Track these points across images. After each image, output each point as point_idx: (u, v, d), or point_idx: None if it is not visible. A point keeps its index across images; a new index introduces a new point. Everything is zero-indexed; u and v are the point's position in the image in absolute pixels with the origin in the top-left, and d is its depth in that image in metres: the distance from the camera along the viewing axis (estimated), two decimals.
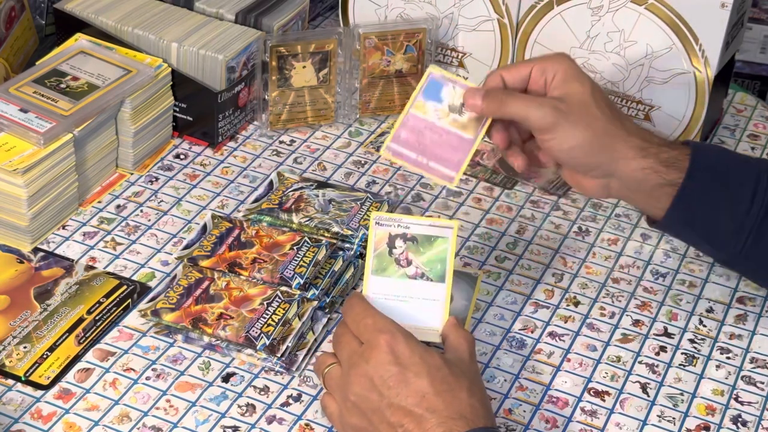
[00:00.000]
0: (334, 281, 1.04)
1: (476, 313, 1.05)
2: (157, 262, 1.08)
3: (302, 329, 0.99)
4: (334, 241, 1.07)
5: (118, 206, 1.15)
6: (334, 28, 1.33)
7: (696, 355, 1.02)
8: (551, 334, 1.03)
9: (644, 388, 0.98)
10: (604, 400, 0.97)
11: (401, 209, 1.17)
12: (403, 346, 0.86)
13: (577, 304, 1.07)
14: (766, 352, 1.03)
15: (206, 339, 0.98)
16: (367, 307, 0.90)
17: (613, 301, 1.07)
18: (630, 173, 0.96)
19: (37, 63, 1.18)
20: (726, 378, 1.00)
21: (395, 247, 0.95)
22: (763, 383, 1.00)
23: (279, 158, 1.24)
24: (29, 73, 1.15)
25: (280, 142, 1.26)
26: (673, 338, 1.04)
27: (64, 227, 1.12)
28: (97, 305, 1.02)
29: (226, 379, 0.97)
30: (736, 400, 0.98)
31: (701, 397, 0.98)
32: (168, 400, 0.94)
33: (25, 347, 0.98)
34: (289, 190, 1.14)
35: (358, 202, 1.12)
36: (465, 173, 1.22)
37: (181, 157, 1.23)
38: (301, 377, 0.97)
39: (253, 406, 0.94)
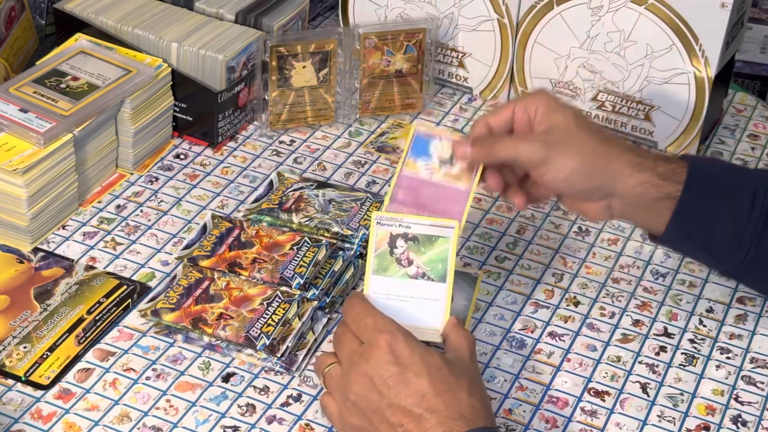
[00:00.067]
0: (334, 281, 1.04)
1: (476, 313, 1.05)
2: (157, 262, 1.08)
3: (302, 329, 0.99)
4: (334, 241, 1.07)
5: (118, 206, 1.15)
6: (334, 28, 1.33)
7: (696, 355, 1.02)
8: (551, 334, 1.03)
9: (644, 388, 0.98)
10: (604, 400, 0.97)
11: None
12: (403, 345, 0.86)
13: (577, 304, 1.07)
14: (766, 352, 1.03)
15: (206, 339, 0.98)
16: (368, 306, 0.90)
17: (613, 301, 1.07)
18: (629, 189, 0.96)
19: (37, 63, 1.18)
20: (726, 378, 1.00)
21: (396, 247, 0.95)
22: (763, 383, 1.00)
23: (279, 158, 1.24)
24: (29, 73, 1.15)
25: (280, 142, 1.26)
26: (673, 338, 1.04)
27: (64, 227, 1.12)
28: (97, 305, 1.02)
29: (226, 379, 0.97)
30: (736, 400, 0.98)
31: (701, 397, 0.98)
32: (168, 400, 0.94)
33: (25, 347, 0.98)
34: (289, 190, 1.14)
35: (358, 202, 1.12)
36: None
37: (181, 157, 1.23)
38: (301, 377, 0.97)
39: (253, 406, 0.94)
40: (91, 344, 0.99)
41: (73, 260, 1.08)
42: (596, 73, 1.27)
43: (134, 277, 1.06)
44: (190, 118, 1.24)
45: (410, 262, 0.94)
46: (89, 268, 1.07)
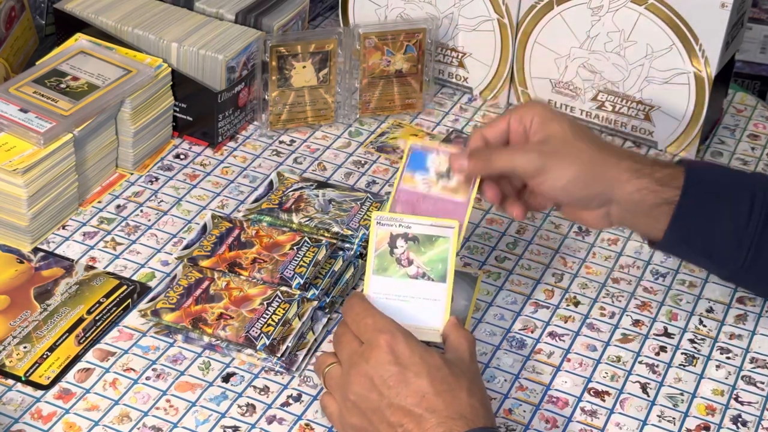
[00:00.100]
0: (334, 281, 1.04)
1: (476, 313, 1.05)
2: (157, 262, 1.08)
3: (302, 329, 0.99)
4: (334, 241, 1.07)
5: (118, 206, 1.15)
6: (334, 28, 1.33)
7: (696, 355, 1.02)
8: (551, 334, 1.03)
9: (644, 388, 0.98)
10: (604, 400, 0.97)
11: None
12: (403, 345, 0.86)
13: (577, 304, 1.07)
14: (766, 352, 1.03)
15: (206, 339, 0.98)
16: (368, 306, 0.90)
17: (613, 301, 1.07)
18: (627, 196, 0.96)
19: (37, 63, 1.18)
20: (726, 378, 1.00)
21: (396, 247, 0.95)
22: (763, 383, 1.00)
23: (279, 158, 1.24)
24: (29, 73, 1.15)
25: (280, 142, 1.26)
26: (673, 338, 1.04)
27: (64, 227, 1.12)
28: (97, 305, 1.02)
29: (226, 379, 0.97)
30: (736, 400, 0.98)
31: (701, 397, 0.98)
32: (168, 400, 0.94)
33: (25, 347, 0.98)
34: (289, 190, 1.14)
35: (358, 202, 1.12)
36: None
37: (181, 157, 1.23)
38: (301, 377, 0.97)
39: (253, 406, 0.94)
40: (91, 344, 0.99)
41: (73, 260, 1.08)
42: (596, 73, 1.27)
43: (134, 277, 1.06)
44: (190, 118, 1.24)
45: (410, 262, 0.94)
46: (89, 268, 1.07)
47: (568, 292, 1.08)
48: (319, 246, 1.05)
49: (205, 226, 1.09)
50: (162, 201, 1.16)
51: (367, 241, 1.01)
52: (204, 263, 1.04)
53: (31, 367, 0.96)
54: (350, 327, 0.90)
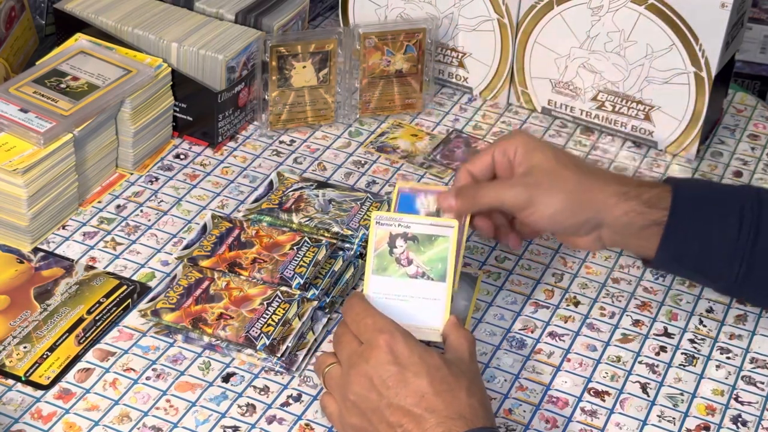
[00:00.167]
0: (334, 281, 1.04)
1: (476, 313, 1.05)
2: (157, 262, 1.08)
3: (302, 329, 0.99)
4: (334, 241, 1.07)
5: (118, 206, 1.15)
6: (334, 28, 1.33)
7: (696, 355, 1.02)
8: (551, 334, 1.03)
9: (644, 388, 0.98)
10: (604, 400, 0.97)
11: None
12: (403, 345, 0.86)
13: (577, 304, 1.07)
14: (766, 352, 1.03)
15: (206, 339, 0.98)
16: (367, 306, 0.90)
17: (613, 301, 1.07)
18: (615, 219, 0.96)
19: (37, 63, 1.18)
20: (726, 378, 1.00)
21: (396, 247, 0.95)
22: (763, 383, 1.00)
23: (279, 158, 1.24)
24: (29, 73, 1.15)
25: (280, 142, 1.26)
26: (673, 338, 1.04)
27: (64, 227, 1.12)
28: (97, 305, 1.02)
29: (226, 379, 0.97)
30: (736, 400, 0.98)
31: (701, 397, 0.98)
32: (168, 400, 0.94)
33: (25, 347, 0.98)
34: (289, 190, 1.14)
35: (358, 202, 1.12)
36: None
37: (181, 157, 1.23)
38: (301, 377, 0.97)
39: (253, 406, 0.94)
40: (91, 344, 0.99)
41: (73, 260, 1.08)
42: (596, 73, 1.27)
43: (134, 277, 1.06)
44: (190, 118, 1.24)
45: (410, 262, 0.94)
46: (89, 268, 1.07)
47: (568, 292, 1.08)
48: (319, 246, 1.05)
49: (205, 226, 1.09)
50: (162, 201, 1.16)
51: (366, 241, 1.01)
52: (204, 263, 1.04)
53: (31, 367, 0.96)
54: (350, 327, 0.90)
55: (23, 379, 0.95)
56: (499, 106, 1.35)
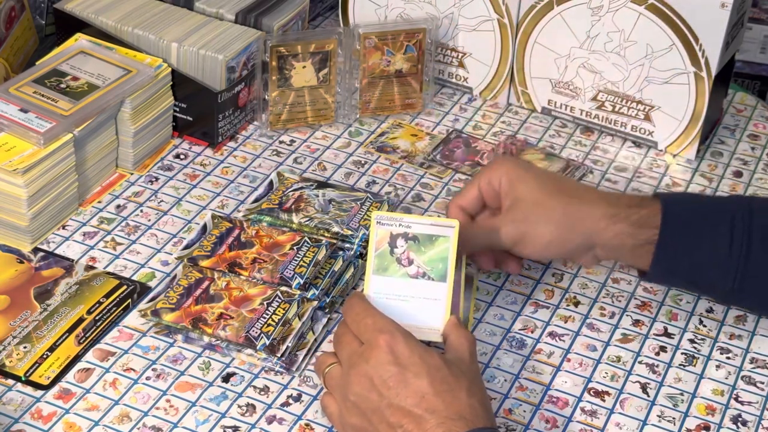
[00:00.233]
0: (334, 281, 1.04)
1: (476, 313, 1.05)
2: (157, 262, 1.08)
3: (302, 329, 0.99)
4: (334, 241, 1.07)
5: (118, 206, 1.15)
6: (334, 28, 1.33)
7: (696, 355, 1.02)
8: (551, 334, 1.03)
9: (644, 388, 0.98)
10: (604, 400, 0.97)
11: (401, 209, 1.17)
12: (403, 346, 0.86)
13: (577, 304, 1.07)
14: (766, 352, 1.03)
15: (206, 339, 0.98)
16: (367, 306, 0.90)
17: (613, 301, 1.07)
18: (607, 241, 0.98)
19: (37, 63, 1.18)
20: (726, 378, 1.00)
21: (396, 247, 0.95)
22: (763, 383, 1.00)
23: (279, 158, 1.24)
24: (29, 73, 1.15)
25: (280, 142, 1.26)
26: (673, 338, 1.04)
27: (64, 227, 1.12)
28: (97, 305, 1.02)
29: (226, 379, 0.97)
30: (736, 400, 0.98)
31: (701, 397, 0.98)
32: (168, 400, 0.94)
33: (25, 347, 0.98)
34: (289, 190, 1.14)
35: (358, 202, 1.12)
36: (465, 173, 1.23)
37: (181, 157, 1.23)
38: (301, 377, 0.97)
39: (253, 406, 0.94)
40: (91, 344, 0.99)
41: (73, 260, 1.08)
42: (596, 73, 1.27)
43: (134, 277, 1.06)
44: (190, 118, 1.24)
45: (410, 262, 0.94)
46: (89, 268, 1.07)
47: (568, 292, 1.08)
48: (319, 246, 1.05)
49: (205, 226, 1.09)
50: (162, 201, 1.16)
51: (367, 241, 1.01)
52: (204, 263, 1.04)
53: (31, 367, 0.96)
54: (350, 327, 0.90)
55: (23, 379, 0.95)
56: (499, 106, 1.35)
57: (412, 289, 0.94)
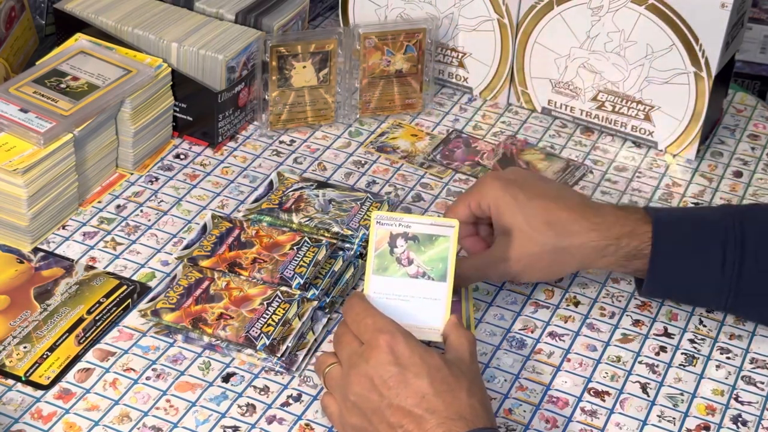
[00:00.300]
0: (334, 281, 1.04)
1: (476, 313, 1.05)
2: (157, 262, 1.08)
3: (302, 329, 0.99)
4: (334, 241, 1.07)
5: (118, 206, 1.15)
6: (334, 28, 1.33)
7: (696, 355, 1.02)
8: (551, 334, 1.03)
9: (644, 388, 0.98)
10: (604, 400, 0.97)
11: (401, 209, 1.17)
12: (403, 346, 0.86)
13: (577, 304, 1.07)
14: (765, 352, 1.03)
15: (206, 339, 0.98)
16: (368, 306, 0.90)
17: (613, 301, 1.07)
18: (600, 267, 1.02)
19: (37, 63, 1.18)
20: (726, 378, 1.00)
21: (396, 246, 0.95)
22: (763, 383, 1.00)
23: (279, 158, 1.24)
24: (29, 73, 1.15)
25: (280, 142, 1.26)
26: (673, 338, 1.04)
27: (64, 227, 1.12)
28: (97, 305, 1.02)
29: (226, 379, 0.97)
30: (736, 400, 0.98)
31: (701, 397, 0.98)
32: (168, 400, 0.94)
33: (25, 347, 0.98)
34: (289, 190, 1.14)
35: (358, 202, 1.12)
36: (465, 173, 1.23)
37: (181, 157, 1.23)
38: (301, 377, 0.97)
39: (253, 406, 0.94)
40: (91, 344, 0.99)
41: (73, 260, 1.08)
42: (596, 73, 1.27)
43: (134, 277, 1.06)
44: (190, 118, 1.24)
45: (410, 262, 0.94)
46: (89, 268, 1.07)
47: (568, 292, 1.08)
48: (319, 246, 1.05)
49: (205, 226, 1.09)
50: (162, 201, 1.16)
51: (367, 241, 1.01)
52: (204, 263, 1.04)
53: (31, 367, 0.96)
54: (350, 327, 0.90)
55: (23, 379, 0.95)
56: (499, 106, 1.35)
57: (412, 288, 0.94)
